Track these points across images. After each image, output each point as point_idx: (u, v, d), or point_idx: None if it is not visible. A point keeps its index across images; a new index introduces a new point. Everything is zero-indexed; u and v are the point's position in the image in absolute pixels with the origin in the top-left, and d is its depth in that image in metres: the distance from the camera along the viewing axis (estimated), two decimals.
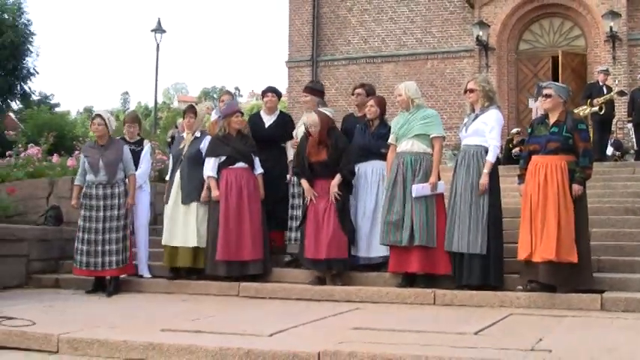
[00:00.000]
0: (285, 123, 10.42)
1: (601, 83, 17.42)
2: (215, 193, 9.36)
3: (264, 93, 10.59)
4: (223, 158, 9.43)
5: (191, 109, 10.12)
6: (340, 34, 26.98)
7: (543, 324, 6.65)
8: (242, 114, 9.78)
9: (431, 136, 8.66)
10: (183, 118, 10.01)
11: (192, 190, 9.62)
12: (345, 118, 10.49)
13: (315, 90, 10.27)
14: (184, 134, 9.99)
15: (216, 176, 9.43)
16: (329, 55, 27.06)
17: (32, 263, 10.63)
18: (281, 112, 10.66)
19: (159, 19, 29.18)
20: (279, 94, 10.73)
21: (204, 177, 9.52)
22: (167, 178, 10.05)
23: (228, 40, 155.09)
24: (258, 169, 9.61)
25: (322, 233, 8.78)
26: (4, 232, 10.25)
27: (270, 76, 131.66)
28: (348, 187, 9.04)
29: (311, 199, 8.92)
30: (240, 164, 9.43)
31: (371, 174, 9.23)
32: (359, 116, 9.92)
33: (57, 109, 49.62)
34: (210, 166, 9.46)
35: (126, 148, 9.68)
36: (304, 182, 9.01)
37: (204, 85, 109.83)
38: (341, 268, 8.91)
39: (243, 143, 9.53)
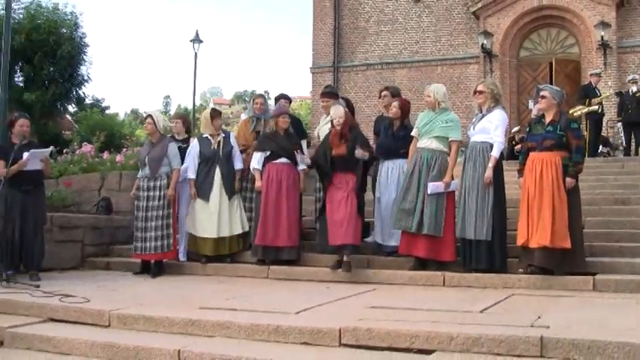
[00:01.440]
0: (296, 124, 10.42)
1: (594, 85, 17.39)
2: (258, 184, 9.36)
3: (277, 99, 10.67)
4: (268, 153, 9.41)
5: (218, 113, 10.15)
6: (359, 42, 26.99)
7: (542, 303, 6.60)
8: (289, 116, 9.76)
9: (449, 139, 8.62)
10: (212, 122, 9.84)
11: (233, 185, 9.71)
12: (376, 120, 10.42)
13: (332, 94, 10.25)
14: (207, 135, 9.86)
15: (261, 169, 9.41)
16: (349, 61, 27.06)
17: (86, 248, 10.74)
18: (291, 115, 10.67)
19: (197, 30, 29.29)
20: (290, 100, 10.84)
21: (251, 169, 9.54)
22: (192, 176, 9.77)
23: (259, 48, 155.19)
24: (301, 165, 9.56)
25: (338, 221, 8.63)
26: (62, 221, 10.38)
27: (296, 80, 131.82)
28: (363, 183, 8.95)
29: (329, 190, 8.85)
30: (283, 159, 9.39)
31: (392, 170, 9.18)
32: (388, 116, 9.87)
33: (107, 112, 49.83)
34: (256, 159, 9.45)
35: (172, 145, 9.69)
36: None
37: (237, 89, 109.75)
38: (350, 252, 8.66)
39: (288, 141, 9.51)
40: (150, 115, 9.83)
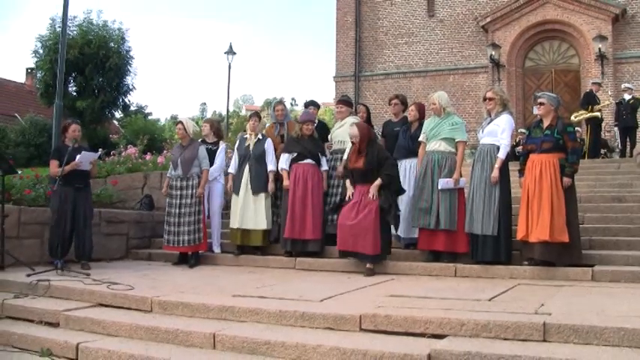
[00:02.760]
0: (322, 128, 10.44)
1: (594, 92, 17.32)
2: (286, 182, 9.37)
3: (306, 105, 10.66)
4: (295, 154, 9.42)
5: (256, 115, 10.18)
6: (378, 54, 26.92)
7: (545, 292, 6.54)
8: (314, 123, 9.71)
9: (456, 140, 8.61)
10: (249, 122, 10.00)
11: (261, 183, 9.67)
12: (384, 124, 10.42)
13: (348, 102, 10.28)
14: (247, 135, 9.95)
15: (288, 169, 9.43)
16: (369, 71, 27.01)
17: (131, 240, 10.84)
18: (318, 120, 10.64)
19: (230, 43, 29.40)
20: (318, 106, 10.78)
21: (279, 169, 9.54)
22: (231, 171, 9.95)
23: (287, 58, 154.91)
24: (324, 166, 9.56)
25: (351, 229, 8.31)
26: (110, 216, 10.47)
27: (321, 88, 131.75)
28: (389, 190, 8.45)
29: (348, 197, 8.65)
30: (308, 160, 9.40)
31: (410, 168, 9.13)
32: (396, 122, 9.86)
33: (149, 117, 50.16)
34: (284, 160, 9.47)
35: (201, 148, 9.75)
36: (347, 183, 8.71)
37: (267, 96, 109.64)
38: (372, 260, 8.39)
39: (313, 144, 9.51)
40: (180, 122, 9.91)
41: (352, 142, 8.64)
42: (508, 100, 8.61)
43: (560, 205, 7.55)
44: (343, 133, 9.52)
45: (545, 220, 7.48)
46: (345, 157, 9.24)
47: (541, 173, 7.67)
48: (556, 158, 7.69)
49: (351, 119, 9.64)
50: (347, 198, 8.58)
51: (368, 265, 8.35)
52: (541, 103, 7.93)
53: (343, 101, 10.23)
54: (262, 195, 9.67)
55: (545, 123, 7.91)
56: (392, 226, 8.67)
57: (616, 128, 18.34)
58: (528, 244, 7.73)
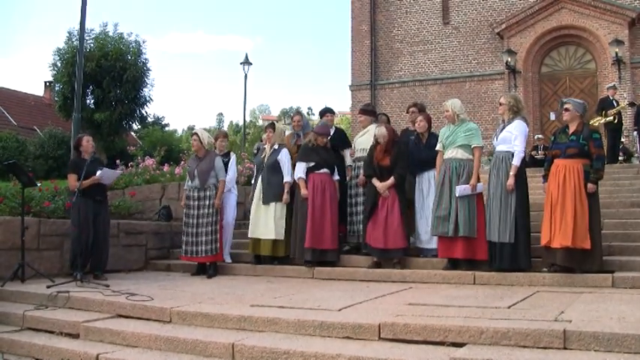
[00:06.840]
0: (341, 135, 10.47)
1: (611, 97, 17.25)
2: (304, 191, 9.35)
3: (322, 113, 10.64)
4: (312, 164, 9.43)
5: (271, 126, 10.22)
6: (394, 62, 26.92)
7: (564, 299, 6.50)
8: (328, 136, 9.71)
9: (472, 146, 8.57)
10: (265, 133, 10.06)
11: (271, 193, 9.70)
12: (402, 132, 10.42)
13: (368, 111, 10.30)
14: (265, 146, 10.02)
15: (305, 177, 9.43)
16: (385, 79, 27.00)
17: (149, 251, 10.91)
18: (335, 127, 10.65)
19: (246, 54, 29.48)
20: (334, 113, 10.85)
21: (296, 178, 9.50)
22: (252, 182, 10.09)
23: (303, 67, 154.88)
24: (336, 176, 9.59)
25: (381, 226, 8.80)
26: (128, 227, 10.53)
27: (337, 97, 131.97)
28: (401, 187, 8.99)
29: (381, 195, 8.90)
30: (324, 170, 9.42)
31: (430, 179, 9.15)
32: (413, 129, 9.84)
33: (167, 129, 50.54)
34: (300, 169, 9.45)
35: (218, 159, 9.77)
36: (375, 181, 8.94)
37: (283, 106, 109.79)
38: (401, 255, 8.94)
39: (328, 154, 9.57)
40: (195, 133, 9.94)
41: (378, 142, 8.97)
42: (520, 107, 8.53)
43: (583, 212, 7.52)
44: (366, 141, 9.64)
45: (568, 226, 7.45)
46: (349, 158, 9.64)
47: (565, 179, 7.65)
48: (580, 164, 7.67)
49: (374, 127, 9.69)
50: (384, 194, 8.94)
51: (395, 261, 8.85)
52: (566, 109, 7.92)
53: (363, 110, 10.28)
54: (272, 205, 9.68)
55: (571, 129, 7.90)
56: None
57: (635, 133, 18.20)
58: (550, 250, 7.69)
